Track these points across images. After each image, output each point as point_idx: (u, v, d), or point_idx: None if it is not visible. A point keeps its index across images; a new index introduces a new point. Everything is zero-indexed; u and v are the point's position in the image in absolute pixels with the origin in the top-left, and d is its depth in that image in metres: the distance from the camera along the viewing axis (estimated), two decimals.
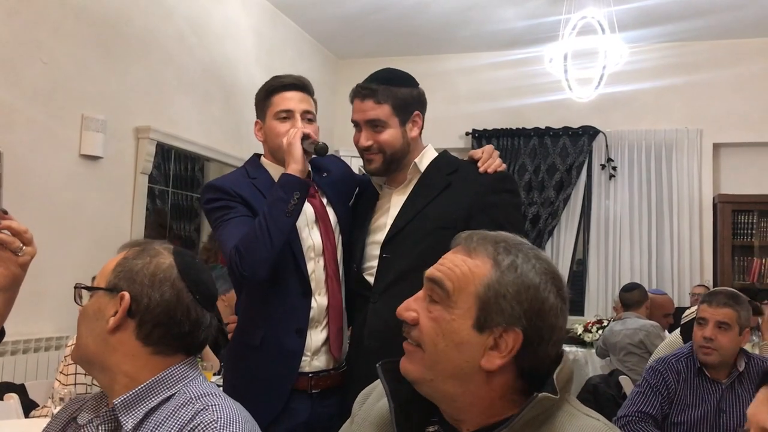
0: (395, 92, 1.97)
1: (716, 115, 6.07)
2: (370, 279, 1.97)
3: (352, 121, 2.02)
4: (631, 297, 4.76)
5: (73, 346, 1.31)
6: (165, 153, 4.35)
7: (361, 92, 1.98)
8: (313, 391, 1.96)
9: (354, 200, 2.18)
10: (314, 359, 1.97)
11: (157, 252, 1.27)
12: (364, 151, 2.00)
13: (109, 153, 3.77)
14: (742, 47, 6.03)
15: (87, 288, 1.26)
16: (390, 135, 1.96)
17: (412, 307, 1.09)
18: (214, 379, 3.10)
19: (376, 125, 1.96)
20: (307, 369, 1.96)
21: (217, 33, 4.86)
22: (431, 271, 1.09)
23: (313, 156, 1.97)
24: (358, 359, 1.93)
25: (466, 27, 5.98)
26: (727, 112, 6.05)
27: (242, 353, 2.01)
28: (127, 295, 1.21)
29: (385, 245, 1.95)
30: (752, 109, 5.98)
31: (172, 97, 4.36)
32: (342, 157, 6.78)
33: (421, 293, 1.10)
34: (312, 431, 1.94)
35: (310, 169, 2.10)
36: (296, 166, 1.90)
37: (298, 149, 1.92)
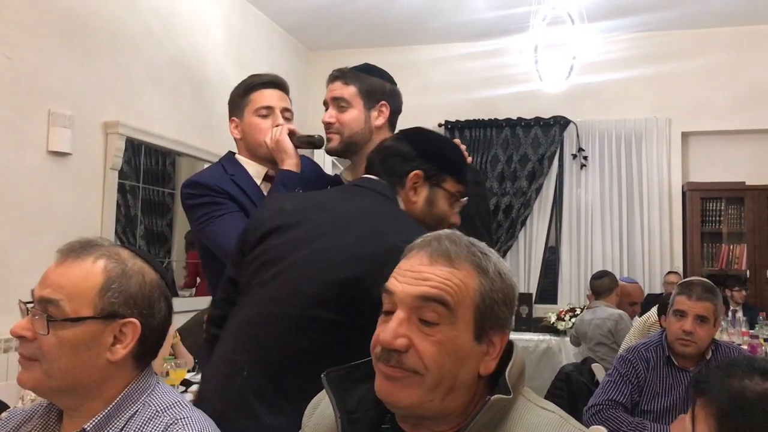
0: (364, 78, 2.04)
1: (685, 104, 6.15)
2: None
3: (324, 102, 2.06)
4: (601, 284, 4.79)
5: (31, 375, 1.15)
6: (135, 148, 4.29)
7: (332, 74, 2.06)
8: None
9: None
10: None
11: (137, 264, 1.21)
12: (326, 129, 2.04)
13: (77, 149, 3.71)
14: (709, 37, 6.11)
15: (74, 319, 1.13)
16: (352, 116, 2.00)
17: (401, 333, 1.01)
18: (188, 375, 3.08)
19: (340, 104, 2.01)
20: None
21: (186, 25, 4.80)
22: (423, 290, 1.02)
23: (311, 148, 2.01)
24: None
25: (437, 17, 5.98)
26: (695, 101, 6.13)
27: (214, 342, 2.00)
28: (138, 322, 1.16)
29: None
30: (719, 97, 6.07)
31: (140, 91, 4.30)
32: (314, 151, 6.75)
33: (403, 314, 1.02)
34: None
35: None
36: (291, 161, 1.96)
37: (289, 145, 1.98)
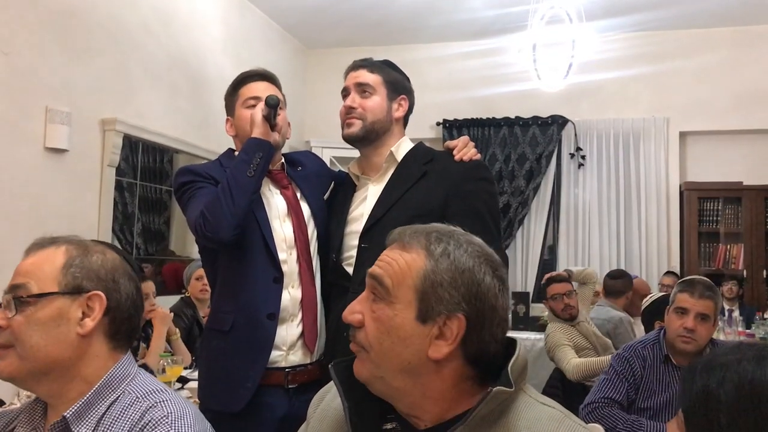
0: (387, 71, 2.07)
1: (682, 104, 6.15)
2: (349, 269, 1.98)
3: (343, 90, 2.08)
4: (615, 285, 4.68)
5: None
6: (132, 145, 4.29)
7: (355, 63, 2.09)
8: (290, 386, 1.96)
9: (330, 194, 2.20)
10: (290, 354, 1.97)
11: (99, 247, 1.26)
12: (346, 115, 2.04)
13: (74, 146, 3.71)
14: (707, 37, 6.12)
15: (40, 295, 1.17)
16: (376, 103, 2.02)
17: (356, 310, 1.09)
18: (185, 372, 3.08)
19: (365, 90, 2.03)
20: (283, 364, 1.96)
21: (184, 22, 4.80)
22: (372, 269, 1.09)
23: (268, 108, 1.97)
24: (338, 350, 1.92)
25: (435, 16, 5.98)
26: (692, 100, 6.14)
27: (214, 339, 2.01)
28: (103, 294, 1.20)
29: (364, 235, 1.96)
30: (717, 97, 6.08)
31: (138, 88, 4.30)
32: (312, 148, 6.77)
33: (364, 294, 1.10)
34: (290, 427, 1.93)
35: (283, 161, 2.11)
36: (257, 129, 1.95)
37: (258, 116, 1.97)
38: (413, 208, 1.91)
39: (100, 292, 1.20)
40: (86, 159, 3.83)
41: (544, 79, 5.03)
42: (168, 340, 3.34)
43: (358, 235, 1.97)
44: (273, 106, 1.96)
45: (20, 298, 1.17)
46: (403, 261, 1.06)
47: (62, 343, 1.17)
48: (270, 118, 1.97)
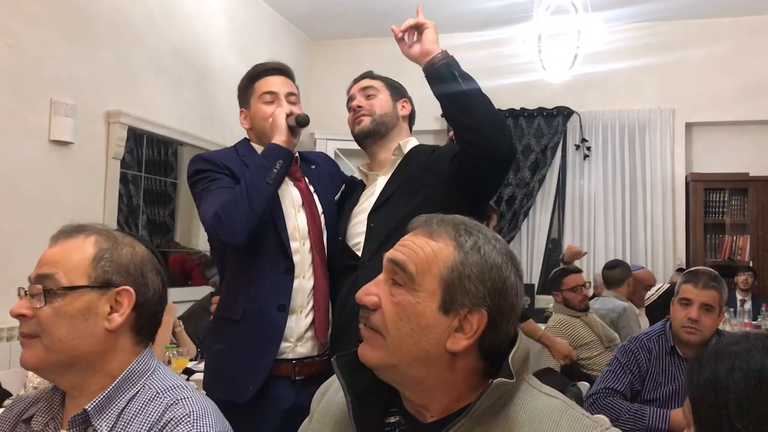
0: (388, 79, 2.22)
1: (688, 95, 6.12)
2: (358, 253, 2.01)
3: (348, 100, 2.18)
4: (613, 275, 4.69)
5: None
6: (137, 137, 4.29)
7: (357, 77, 2.23)
8: (297, 378, 1.96)
9: (340, 197, 2.23)
10: (298, 345, 1.97)
11: (127, 239, 1.25)
12: (355, 113, 2.14)
13: (79, 138, 3.71)
14: (714, 27, 6.08)
15: (69, 288, 1.15)
16: (381, 100, 2.14)
17: (372, 292, 1.06)
18: (190, 364, 3.09)
19: (368, 92, 2.14)
20: (290, 355, 1.96)
21: (188, 14, 4.79)
22: (393, 254, 1.07)
23: (297, 127, 2.01)
24: (345, 329, 1.94)
25: (440, 7, 5.95)
26: (699, 91, 6.11)
27: (222, 328, 2.01)
28: (132, 290, 1.19)
29: (373, 214, 2.01)
30: (723, 88, 6.04)
31: (143, 81, 4.29)
32: (317, 140, 6.75)
33: (381, 277, 1.08)
34: (296, 418, 1.93)
35: (298, 155, 2.12)
36: (280, 136, 1.97)
37: (282, 121, 1.99)
38: (420, 183, 1.98)
39: (129, 288, 1.19)
40: (91, 151, 3.84)
41: (550, 70, 5.00)
42: (172, 332, 3.35)
43: (366, 219, 2.02)
44: (303, 125, 2.01)
45: (50, 290, 1.15)
46: (429, 249, 1.05)
47: (89, 337, 1.16)
48: (294, 130, 2.00)
